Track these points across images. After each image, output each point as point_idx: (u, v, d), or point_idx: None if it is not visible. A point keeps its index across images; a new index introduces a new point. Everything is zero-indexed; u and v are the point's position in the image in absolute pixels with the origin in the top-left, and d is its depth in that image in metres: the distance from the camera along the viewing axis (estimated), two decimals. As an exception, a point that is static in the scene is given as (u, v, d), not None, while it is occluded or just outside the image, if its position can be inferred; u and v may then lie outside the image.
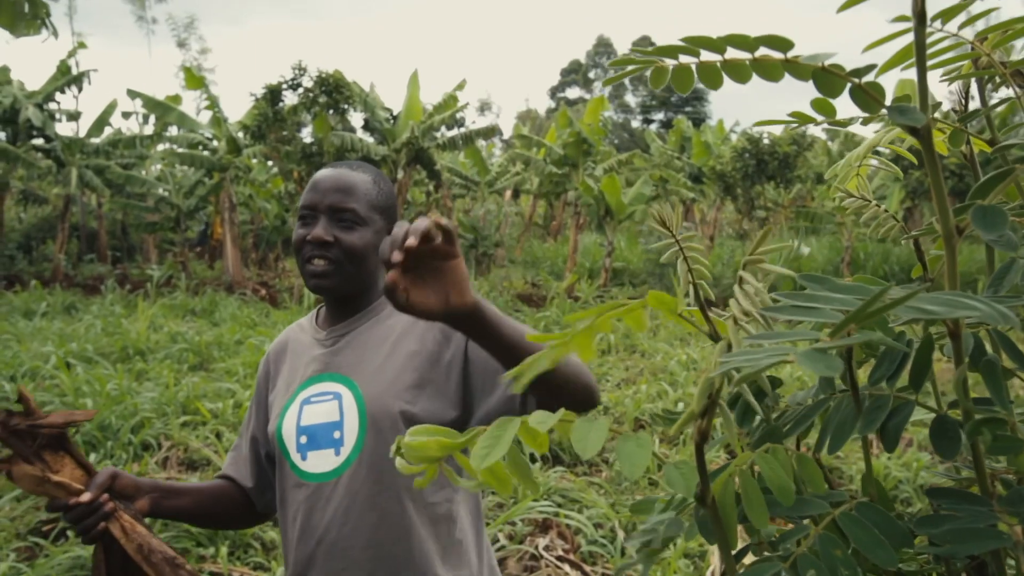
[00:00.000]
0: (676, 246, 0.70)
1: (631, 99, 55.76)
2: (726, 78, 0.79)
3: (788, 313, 0.54)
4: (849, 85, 0.66)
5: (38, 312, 9.33)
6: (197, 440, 4.69)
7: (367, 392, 1.24)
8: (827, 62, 0.63)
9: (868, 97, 0.63)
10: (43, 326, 8.35)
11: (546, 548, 3.33)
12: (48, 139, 13.70)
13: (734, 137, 18.81)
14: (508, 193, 19.91)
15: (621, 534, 3.52)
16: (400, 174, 11.68)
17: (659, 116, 49.87)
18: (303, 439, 1.27)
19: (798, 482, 0.65)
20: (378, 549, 1.22)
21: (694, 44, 0.69)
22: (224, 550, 3.23)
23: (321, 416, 1.26)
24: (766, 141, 12.82)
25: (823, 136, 18.60)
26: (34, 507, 3.77)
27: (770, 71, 0.71)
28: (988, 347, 0.64)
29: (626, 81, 58.24)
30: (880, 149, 1.01)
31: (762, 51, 0.68)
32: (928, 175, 0.60)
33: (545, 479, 4.05)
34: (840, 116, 0.80)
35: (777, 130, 13.63)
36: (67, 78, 13.61)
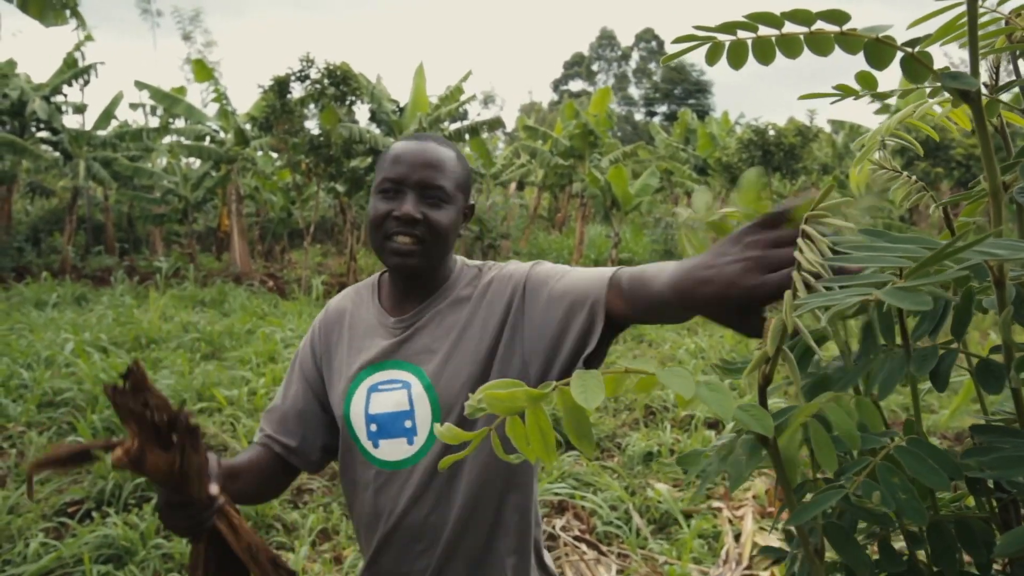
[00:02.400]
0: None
1: (634, 91, 55.67)
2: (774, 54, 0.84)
3: (854, 261, 0.59)
4: (900, 56, 0.71)
5: (49, 303, 9.41)
6: (215, 426, 4.76)
7: (437, 382, 1.23)
8: (882, 34, 0.69)
9: (920, 66, 0.68)
10: (55, 316, 8.43)
11: (563, 528, 3.39)
12: (55, 132, 13.76)
13: (739, 129, 18.82)
14: (513, 185, 19.94)
15: (636, 516, 3.58)
16: (407, 166, 11.74)
17: (662, 108, 49.83)
18: (373, 427, 1.26)
19: (859, 424, 0.71)
20: (454, 533, 1.23)
21: (755, 20, 0.74)
22: (248, 530, 3.30)
23: (390, 405, 1.25)
24: (771, 132, 12.84)
25: (828, 128, 18.60)
26: (57, 490, 3.84)
27: (822, 45, 0.76)
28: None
29: (629, 73, 58.09)
30: (887, 141, 1.07)
31: (818, 25, 0.73)
32: (979, 142, 0.66)
33: (560, 463, 4.11)
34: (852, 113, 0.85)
35: (783, 121, 13.62)
36: (73, 71, 13.65)
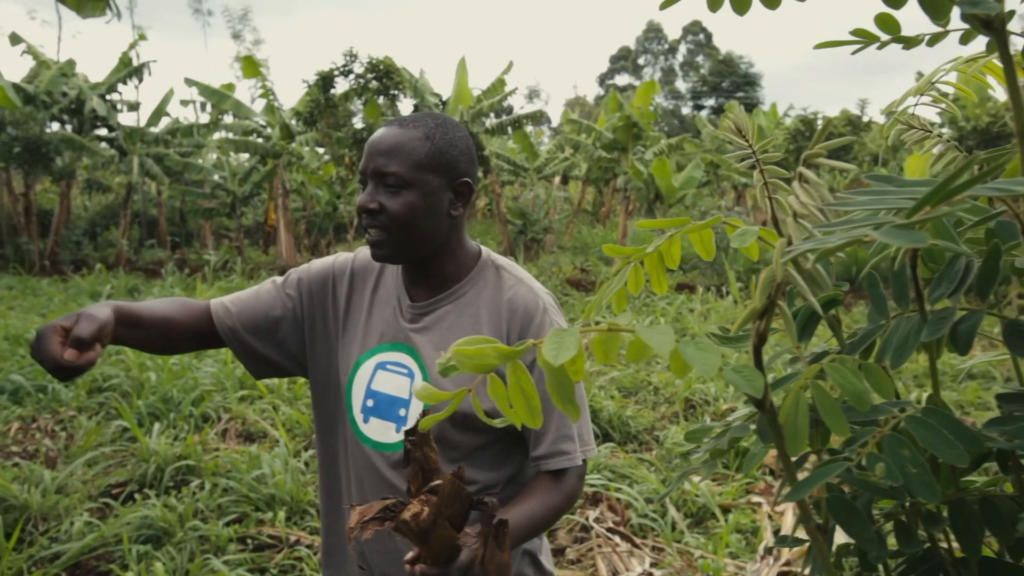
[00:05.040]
0: (753, 157, 0.70)
1: (681, 85, 54.90)
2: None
3: (855, 205, 0.54)
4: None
5: (103, 294, 9.70)
6: (254, 413, 4.83)
7: (437, 384, 1.21)
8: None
9: None
10: (108, 307, 8.68)
11: (596, 520, 3.34)
12: (111, 129, 14.17)
13: (787, 121, 18.39)
14: (557, 179, 19.85)
15: (672, 508, 3.50)
16: (449, 159, 11.77)
17: (710, 102, 48.99)
18: (370, 402, 1.26)
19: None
20: None
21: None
22: (282, 515, 3.33)
23: (391, 387, 1.25)
24: (821, 123, 12.50)
25: (882, 120, 18.04)
26: (104, 472, 3.94)
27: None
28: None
29: (676, 67, 57.30)
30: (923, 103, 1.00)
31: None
32: (1005, 78, 0.59)
33: (597, 455, 4.06)
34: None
35: (833, 112, 13.22)
36: (128, 70, 14.03)
